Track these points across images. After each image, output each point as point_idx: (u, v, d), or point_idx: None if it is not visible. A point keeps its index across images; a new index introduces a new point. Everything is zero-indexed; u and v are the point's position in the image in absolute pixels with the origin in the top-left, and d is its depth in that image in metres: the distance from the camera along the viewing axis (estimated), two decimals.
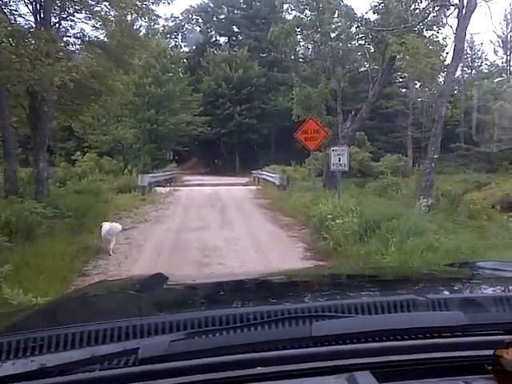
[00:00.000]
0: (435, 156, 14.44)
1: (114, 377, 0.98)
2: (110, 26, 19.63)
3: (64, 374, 0.99)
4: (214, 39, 54.15)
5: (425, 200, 11.81)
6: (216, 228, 13.29)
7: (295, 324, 1.13)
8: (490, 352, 0.98)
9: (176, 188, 25.79)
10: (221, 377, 0.97)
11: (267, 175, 24.80)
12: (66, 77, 11.15)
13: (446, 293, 1.64)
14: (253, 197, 21.43)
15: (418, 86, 50.44)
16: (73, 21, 18.61)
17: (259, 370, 1.00)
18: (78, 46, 19.86)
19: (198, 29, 54.80)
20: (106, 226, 10.30)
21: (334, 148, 14.60)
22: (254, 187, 26.16)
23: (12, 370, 1.00)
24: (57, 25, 17.00)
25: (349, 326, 1.10)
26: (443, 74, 18.41)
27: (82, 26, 24.18)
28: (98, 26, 19.58)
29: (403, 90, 51.84)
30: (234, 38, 53.63)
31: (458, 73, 57.35)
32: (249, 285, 2.15)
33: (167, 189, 24.97)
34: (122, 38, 20.21)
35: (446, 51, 18.45)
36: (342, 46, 50.43)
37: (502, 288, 1.66)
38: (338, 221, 10.87)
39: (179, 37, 53.58)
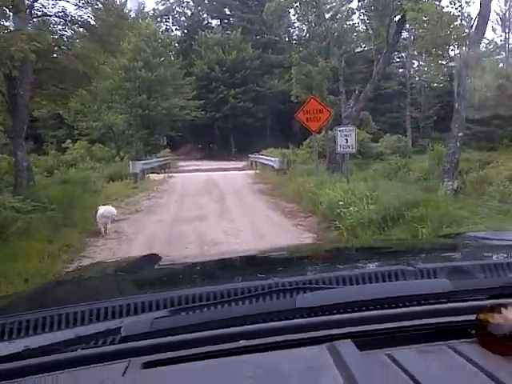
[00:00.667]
0: (460, 134, 13.12)
1: (97, 355, 0.97)
2: (95, 4, 18.18)
3: (47, 354, 0.98)
4: (205, 22, 52.26)
5: (450, 183, 10.51)
6: (214, 218, 11.97)
7: (280, 297, 1.12)
8: (472, 317, 0.97)
9: (170, 174, 24.44)
10: (204, 351, 0.95)
11: (265, 159, 23.43)
12: (25, 46, 9.64)
13: (435, 262, 1.55)
14: (251, 182, 20.11)
15: (415, 65, 49.02)
16: None
17: (242, 343, 0.98)
18: (59, 27, 18.37)
19: (188, 12, 52.89)
20: (101, 209, 10.64)
21: (341, 128, 13.27)
22: (252, 172, 24.82)
23: None
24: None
25: (333, 296, 1.10)
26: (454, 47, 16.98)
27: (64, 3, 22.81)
28: (81, 4, 18.14)
29: (400, 70, 50.25)
30: (226, 21, 51.75)
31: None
32: (238, 262, 2.13)
33: (161, 176, 23.61)
34: (107, 16, 18.78)
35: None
36: (337, 26, 49.02)
37: (488, 255, 1.69)
38: (351, 208, 9.58)
39: (170, 20, 51.63)
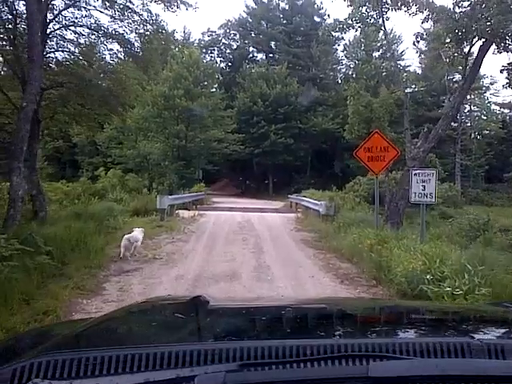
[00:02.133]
0: None
1: None
2: (132, 18, 15.99)
3: None
4: (250, 55, 50.48)
5: None
6: (248, 278, 9.06)
7: (351, 362, 1.10)
8: None
9: (202, 212, 21.71)
10: None
11: (308, 201, 20.48)
12: None
13: (502, 336, 1.53)
14: (293, 228, 17.16)
15: (467, 110, 45.70)
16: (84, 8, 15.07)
17: None
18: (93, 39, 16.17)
19: (234, 44, 51.29)
20: (126, 236, 10.64)
21: (417, 171, 10.32)
22: (292, 215, 21.88)
23: None
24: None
25: (406, 368, 1.07)
26: None
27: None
28: (116, 16, 15.98)
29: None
30: (271, 55, 49.87)
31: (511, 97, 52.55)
32: (297, 313, 1.99)
33: (192, 213, 20.91)
34: (154, 39, 16.58)
35: None
36: (386, 64, 46.38)
37: None
38: (446, 287, 6.56)
39: (215, 52, 50.04)
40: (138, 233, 11.08)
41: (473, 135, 45.37)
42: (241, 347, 1.14)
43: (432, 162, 28.53)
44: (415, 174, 10.19)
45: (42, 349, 1.29)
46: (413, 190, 10.23)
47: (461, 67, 15.34)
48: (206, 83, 35.72)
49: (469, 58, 14.52)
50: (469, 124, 46.16)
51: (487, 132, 47.12)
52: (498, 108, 49.02)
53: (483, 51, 13.44)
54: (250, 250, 12.26)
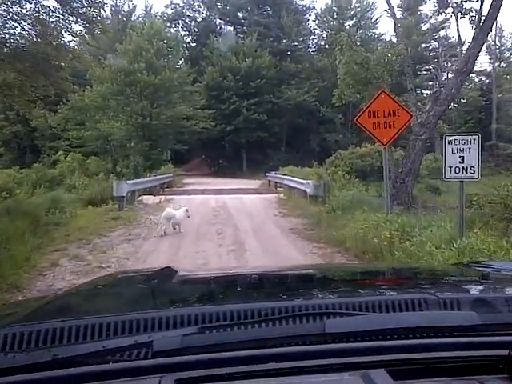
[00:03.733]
0: None
1: (126, 369, 0.95)
2: None
3: (77, 365, 0.96)
4: (218, 27, 46.77)
5: None
6: None
7: (308, 321, 1.11)
8: (504, 352, 0.95)
9: (170, 197, 18.57)
10: (233, 371, 0.94)
11: (291, 180, 17.53)
12: None
13: (458, 292, 1.51)
14: (278, 213, 14.25)
15: (444, 78, 42.97)
16: None
17: (272, 365, 0.97)
18: None
19: (200, 17, 47.48)
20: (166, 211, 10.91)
21: (453, 138, 7.40)
22: (273, 195, 18.88)
23: (25, 360, 0.98)
24: None
25: (362, 323, 1.08)
26: None
27: None
28: None
29: (430, 83, 44.42)
30: (240, 27, 46.23)
31: (487, 65, 50.24)
32: (261, 280, 2.00)
33: (158, 198, 17.76)
34: None
35: None
36: (360, 33, 43.34)
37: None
38: None
39: (179, 25, 46.18)
40: (181, 212, 11.14)
41: (451, 103, 42.84)
42: (202, 312, 1.14)
43: (440, 128, 25.57)
44: (450, 142, 7.30)
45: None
46: (447, 163, 7.36)
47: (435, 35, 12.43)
48: (170, 56, 32.14)
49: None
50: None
51: (464, 101, 44.79)
52: (475, 76, 46.67)
53: None
54: (229, 248, 9.29)
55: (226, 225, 12.10)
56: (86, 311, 1.49)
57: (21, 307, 1.76)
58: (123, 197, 14.92)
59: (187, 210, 11.47)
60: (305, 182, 15.27)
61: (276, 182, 21.68)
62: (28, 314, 1.46)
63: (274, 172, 25.46)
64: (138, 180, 17.12)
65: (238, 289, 1.86)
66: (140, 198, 17.89)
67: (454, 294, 1.36)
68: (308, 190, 14.93)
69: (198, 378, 0.93)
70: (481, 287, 1.77)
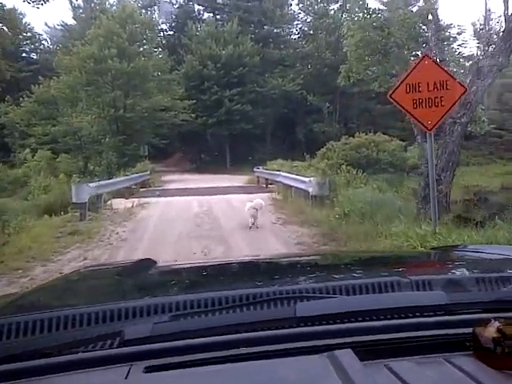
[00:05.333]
0: None
1: (98, 358, 0.94)
2: None
3: (45, 356, 0.94)
4: (196, 13, 43.55)
5: None
6: None
7: (279, 305, 1.11)
8: (469, 330, 0.95)
9: (145, 200, 15.61)
10: (204, 357, 0.93)
11: (287, 177, 14.66)
12: None
13: (430, 274, 1.48)
14: (276, 220, 11.42)
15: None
16: None
17: (243, 350, 0.95)
18: None
19: (176, 3, 44.20)
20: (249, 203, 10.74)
21: None
22: (265, 195, 15.94)
23: None
24: None
25: (332, 306, 1.08)
26: None
27: None
28: None
29: None
30: (219, 12, 43.04)
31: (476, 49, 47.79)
32: (235, 269, 2.02)
33: (130, 202, 14.83)
34: None
35: None
36: (346, 17, 40.46)
37: (482, 269, 1.62)
38: None
39: (155, 11, 42.80)
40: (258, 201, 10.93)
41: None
42: (174, 301, 1.13)
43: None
44: None
45: None
46: None
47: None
48: (144, 41, 28.94)
49: None
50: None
51: None
52: (463, 60, 44.15)
53: None
54: None
55: (213, 239, 9.24)
56: (57, 304, 1.43)
57: None
58: (85, 203, 11.98)
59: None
60: (306, 179, 12.45)
61: (266, 179, 18.83)
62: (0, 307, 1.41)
63: (262, 167, 22.67)
64: (105, 181, 14.11)
65: (213, 277, 1.78)
66: (109, 201, 14.97)
67: (426, 276, 1.33)
68: (310, 190, 12.14)
69: (169, 365, 0.91)
70: (452, 268, 1.74)
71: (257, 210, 10.46)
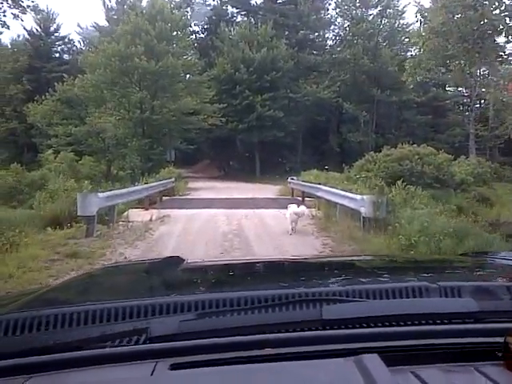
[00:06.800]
0: None
1: (122, 354, 0.94)
2: None
3: (74, 349, 0.95)
4: (229, 16, 41.68)
5: None
6: None
7: (305, 307, 1.09)
8: (500, 339, 0.92)
9: (167, 211, 13.49)
10: (229, 357, 0.92)
11: (331, 192, 12.36)
12: None
13: (458, 280, 1.42)
14: (322, 246, 9.13)
15: (485, 70, 37.40)
16: None
17: (268, 351, 0.94)
18: None
19: (211, 4, 42.42)
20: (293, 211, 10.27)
21: None
22: (305, 211, 13.64)
23: (26, 345, 0.98)
24: None
25: (359, 310, 1.06)
26: None
27: None
28: None
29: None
30: (253, 14, 40.97)
31: None
32: (262, 269, 2.00)
33: (149, 214, 12.73)
34: None
35: None
36: (385, 22, 37.91)
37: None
38: None
39: (188, 13, 41.00)
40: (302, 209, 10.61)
41: (490, 101, 37.23)
42: (200, 299, 1.11)
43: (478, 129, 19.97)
44: None
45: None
46: None
47: None
48: (174, 41, 27.02)
49: None
50: (484, 89, 38.18)
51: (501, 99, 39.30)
52: None
53: None
54: None
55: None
56: (85, 299, 1.41)
57: (21, 296, 1.57)
58: (93, 217, 9.94)
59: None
60: (357, 196, 10.16)
61: (303, 192, 16.56)
62: (27, 301, 1.38)
63: (297, 178, 20.45)
64: (119, 191, 12.00)
65: (240, 277, 1.77)
66: (126, 212, 12.95)
67: (455, 283, 1.28)
68: (362, 210, 9.85)
69: (194, 363, 0.90)
70: (482, 276, 1.66)
71: (298, 216, 10.26)
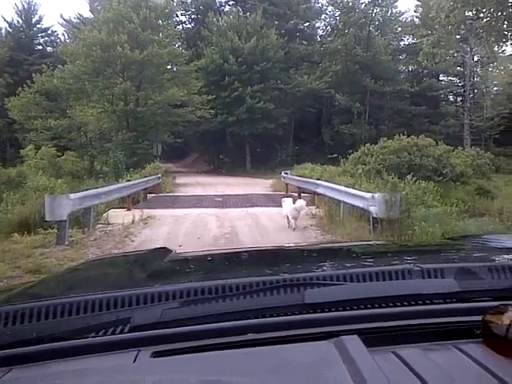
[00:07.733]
0: None
1: (107, 343, 0.94)
2: None
3: (58, 340, 0.94)
4: (217, 5, 40.09)
5: None
6: None
7: (288, 292, 1.09)
8: (479, 318, 0.93)
9: (151, 212, 12.11)
10: (212, 343, 0.92)
11: (334, 188, 11.03)
12: None
13: (441, 262, 1.43)
14: None
15: (478, 58, 36.14)
16: None
17: (250, 336, 0.95)
18: None
19: None
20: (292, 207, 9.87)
21: None
22: (304, 206, 12.29)
23: (9, 337, 0.96)
24: None
25: (340, 293, 1.07)
26: None
27: None
28: None
29: (457, 68, 37.79)
30: (241, 4, 39.45)
31: None
32: (247, 257, 1.97)
33: (131, 215, 11.33)
34: None
35: None
36: (377, 11, 36.60)
37: (494, 257, 1.57)
38: None
39: (173, 2, 39.30)
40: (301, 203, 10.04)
41: (485, 91, 36.16)
42: (184, 288, 1.10)
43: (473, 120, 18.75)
44: None
45: None
46: None
47: None
48: (160, 29, 25.48)
49: None
50: (478, 78, 37.08)
51: (496, 89, 38.23)
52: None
53: None
54: None
55: None
56: (70, 292, 1.38)
57: (5, 292, 1.60)
58: (64, 221, 8.55)
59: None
60: (367, 195, 8.86)
61: (299, 188, 15.24)
62: (11, 296, 1.39)
63: (290, 171, 19.16)
64: (95, 190, 10.51)
65: (225, 265, 1.78)
66: (106, 213, 11.58)
67: (437, 265, 1.28)
68: (373, 209, 8.55)
69: (176, 350, 0.90)
70: (464, 258, 1.70)
71: (299, 212, 9.80)
